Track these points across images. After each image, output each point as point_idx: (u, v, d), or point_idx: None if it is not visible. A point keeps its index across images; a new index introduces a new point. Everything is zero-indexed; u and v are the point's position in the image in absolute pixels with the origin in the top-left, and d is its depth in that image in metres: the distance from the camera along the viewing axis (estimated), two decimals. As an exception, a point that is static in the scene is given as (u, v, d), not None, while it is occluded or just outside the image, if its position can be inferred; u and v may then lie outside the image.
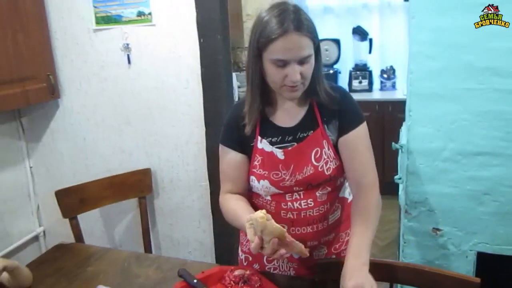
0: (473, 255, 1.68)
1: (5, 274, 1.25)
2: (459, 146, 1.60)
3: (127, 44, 1.96)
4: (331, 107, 1.19)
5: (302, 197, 1.22)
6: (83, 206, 1.93)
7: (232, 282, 1.23)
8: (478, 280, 1.14)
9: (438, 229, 1.71)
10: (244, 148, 1.24)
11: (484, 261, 1.68)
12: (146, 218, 2.06)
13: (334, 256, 1.31)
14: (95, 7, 1.95)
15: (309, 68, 1.11)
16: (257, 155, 1.22)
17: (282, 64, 1.08)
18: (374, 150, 1.24)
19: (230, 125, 1.27)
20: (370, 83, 3.92)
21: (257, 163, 1.22)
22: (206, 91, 1.90)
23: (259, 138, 1.22)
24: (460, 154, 1.60)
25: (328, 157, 1.20)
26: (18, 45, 1.83)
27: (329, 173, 1.20)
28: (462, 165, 1.61)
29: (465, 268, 1.70)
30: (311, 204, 1.22)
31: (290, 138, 1.21)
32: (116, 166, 2.14)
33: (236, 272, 1.25)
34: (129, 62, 1.99)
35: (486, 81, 1.51)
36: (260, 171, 1.22)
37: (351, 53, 4.06)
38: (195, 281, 1.21)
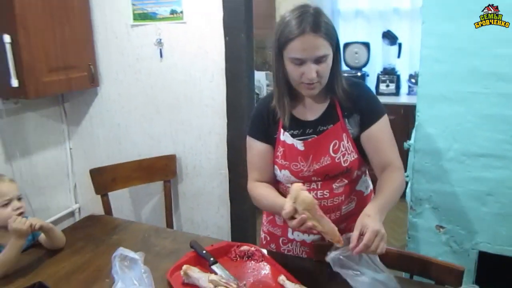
0: (475, 254, 1.73)
1: (42, 235, 1.45)
2: (464, 147, 1.66)
3: (160, 40, 2.15)
4: (349, 104, 1.27)
5: (319, 187, 1.30)
6: (114, 185, 2.14)
7: (237, 256, 1.38)
8: (462, 268, 1.22)
9: (441, 227, 1.77)
10: (269, 139, 1.33)
11: (486, 260, 1.72)
12: (169, 200, 2.24)
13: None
14: (133, 4, 2.15)
15: (325, 68, 1.18)
16: (279, 146, 1.32)
17: (299, 62, 1.16)
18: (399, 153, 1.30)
19: (257, 118, 1.36)
20: (398, 87, 3.95)
21: (279, 154, 1.32)
22: (229, 85, 2.05)
23: (282, 130, 1.31)
24: (464, 155, 1.67)
25: (346, 150, 1.27)
26: (64, 37, 2.05)
27: (345, 164, 1.27)
28: (466, 166, 1.67)
29: (466, 266, 1.73)
30: (326, 195, 1.31)
31: (310, 131, 1.29)
32: (145, 151, 2.33)
33: (242, 248, 1.39)
34: (161, 56, 2.17)
35: (491, 85, 1.57)
36: (281, 162, 1.31)
37: (380, 57, 4.11)
38: (204, 252, 1.35)
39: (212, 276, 1.18)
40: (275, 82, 1.28)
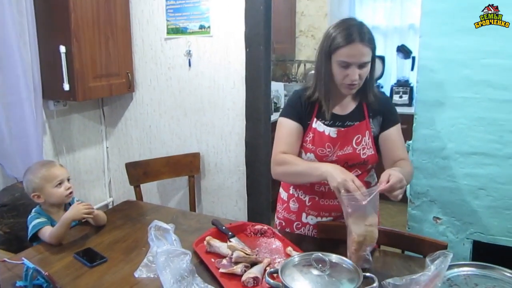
0: (469, 243, 1.90)
1: (98, 212, 1.70)
2: (457, 147, 1.85)
3: (189, 51, 2.43)
4: (375, 106, 1.49)
5: None
6: (145, 178, 2.41)
7: (252, 233, 1.59)
8: (445, 243, 1.41)
9: (438, 218, 1.95)
10: (302, 123, 1.50)
11: (480, 249, 1.89)
12: (193, 194, 2.49)
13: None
14: (167, 20, 2.45)
15: (366, 72, 1.39)
16: (310, 132, 1.49)
17: (345, 65, 1.36)
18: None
19: (294, 103, 1.51)
20: (411, 98, 4.12)
21: (308, 139, 1.49)
22: (248, 91, 2.30)
23: (315, 119, 1.49)
24: (458, 153, 1.85)
25: (366, 144, 1.47)
26: (108, 48, 2.36)
27: (364, 157, 1.47)
28: (459, 163, 1.86)
29: (462, 254, 1.92)
30: None
31: (339, 123, 1.48)
32: (173, 150, 2.60)
33: (256, 227, 1.61)
34: (189, 65, 2.45)
35: (481, 91, 1.76)
36: (309, 146, 1.49)
37: (395, 70, 4.30)
38: (223, 227, 1.58)
39: (230, 243, 1.40)
40: (321, 81, 1.45)
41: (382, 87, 4.25)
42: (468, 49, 1.75)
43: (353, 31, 1.35)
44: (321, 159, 1.48)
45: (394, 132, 1.50)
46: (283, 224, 1.67)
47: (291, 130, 1.50)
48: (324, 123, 1.49)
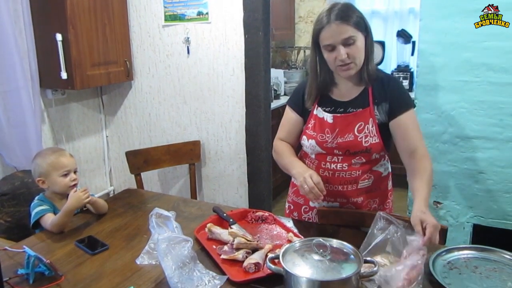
0: (469, 226, 1.92)
1: (96, 199, 1.70)
2: (458, 131, 1.85)
3: (188, 38, 2.41)
4: (381, 92, 1.42)
5: (339, 161, 1.47)
6: (146, 166, 2.41)
7: (253, 219, 1.59)
8: (446, 227, 1.41)
9: (438, 202, 1.96)
10: (303, 112, 1.54)
11: (479, 232, 1.91)
12: (194, 182, 2.49)
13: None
14: (165, 7, 2.42)
15: (355, 50, 1.35)
16: (312, 119, 1.51)
17: (331, 48, 1.36)
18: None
19: (297, 93, 1.56)
20: (411, 83, 4.10)
21: (310, 126, 1.51)
22: (248, 78, 2.29)
23: (316, 106, 1.50)
24: (458, 137, 1.85)
25: (369, 132, 1.43)
26: (105, 36, 2.34)
27: (366, 145, 1.43)
28: (459, 147, 1.86)
29: (462, 238, 1.94)
30: (345, 168, 1.47)
31: (341, 110, 1.46)
32: (173, 138, 2.60)
33: (257, 213, 1.62)
34: (188, 52, 2.43)
35: (482, 75, 1.76)
36: (311, 132, 1.50)
37: (395, 55, 4.27)
38: (224, 214, 1.58)
39: (231, 229, 1.41)
40: (310, 72, 1.49)
41: (382, 72, 4.22)
42: (468, 31, 1.73)
43: (329, 13, 1.35)
44: (321, 145, 1.48)
45: (406, 119, 1.42)
46: (292, 207, 1.68)
47: (291, 120, 1.58)
48: (324, 110, 1.49)
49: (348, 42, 1.35)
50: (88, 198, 1.58)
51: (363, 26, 1.38)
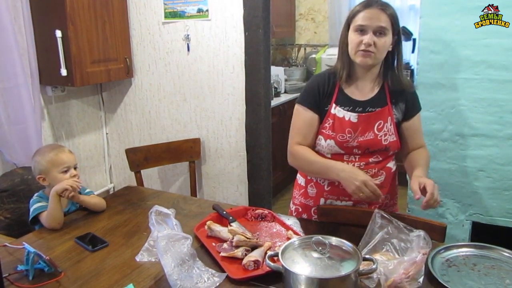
0: (468, 224, 1.92)
1: (84, 197, 1.69)
2: (457, 128, 1.85)
3: (188, 35, 2.40)
4: (398, 93, 1.46)
5: (356, 160, 1.47)
6: (146, 163, 2.41)
7: (252, 217, 1.59)
8: (445, 224, 1.42)
9: (438, 201, 1.95)
10: (319, 110, 1.49)
11: (479, 230, 1.91)
12: (194, 180, 2.49)
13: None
14: (165, 4, 2.42)
15: (382, 41, 1.36)
16: (329, 118, 1.48)
17: (361, 30, 1.37)
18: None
19: (311, 89, 1.50)
20: (412, 81, 4.08)
21: (327, 125, 1.48)
22: (248, 76, 2.29)
23: (334, 105, 1.47)
24: (458, 135, 1.85)
25: (388, 131, 1.45)
26: (105, 33, 2.34)
27: (385, 143, 1.45)
28: (459, 145, 1.86)
29: (461, 235, 1.94)
30: (362, 166, 1.47)
31: (360, 109, 1.45)
32: (173, 135, 2.60)
33: (257, 211, 1.62)
34: (188, 50, 2.43)
35: (481, 72, 1.75)
36: (328, 132, 1.47)
37: (395, 52, 4.25)
38: (224, 212, 1.58)
39: (231, 227, 1.41)
40: (340, 55, 1.49)
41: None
42: (468, 29, 1.73)
43: (372, 1, 1.38)
44: (341, 145, 1.47)
45: (417, 121, 1.51)
46: (300, 210, 1.66)
47: (306, 120, 1.51)
48: (344, 109, 1.47)
49: (379, 31, 1.36)
50: (72, 184, 1.56)
51: (396, 27, 1.40)
